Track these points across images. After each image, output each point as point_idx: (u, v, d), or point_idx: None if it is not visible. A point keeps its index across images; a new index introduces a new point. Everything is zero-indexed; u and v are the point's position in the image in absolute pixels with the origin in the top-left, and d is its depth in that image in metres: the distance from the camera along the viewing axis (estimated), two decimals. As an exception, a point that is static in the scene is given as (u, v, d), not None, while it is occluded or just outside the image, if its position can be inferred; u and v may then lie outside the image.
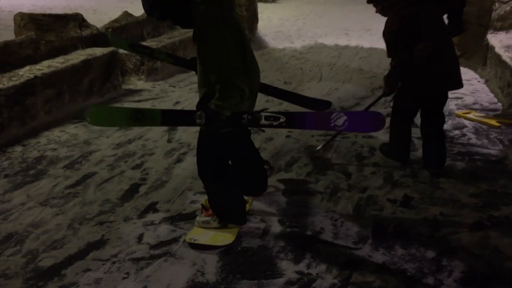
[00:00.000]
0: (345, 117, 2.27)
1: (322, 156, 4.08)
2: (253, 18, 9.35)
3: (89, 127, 4.76)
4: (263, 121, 2.41)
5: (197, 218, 2.99)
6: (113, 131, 4.68)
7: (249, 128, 2.88)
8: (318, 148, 4.20)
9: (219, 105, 2.40)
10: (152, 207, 3.23)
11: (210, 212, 2.96)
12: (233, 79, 2.39)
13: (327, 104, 3.71)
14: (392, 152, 3.89)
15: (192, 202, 3.29)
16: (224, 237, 2.83)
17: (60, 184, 3.57)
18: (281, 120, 2.39)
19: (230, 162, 2.91)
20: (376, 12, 3.52)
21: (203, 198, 3.15)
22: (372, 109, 3.85)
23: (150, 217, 3.11)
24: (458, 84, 3.51)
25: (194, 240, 2.80)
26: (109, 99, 5.68)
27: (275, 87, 3.69)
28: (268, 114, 2.41)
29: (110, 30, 5.38)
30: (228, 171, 2.83)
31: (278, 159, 3.98)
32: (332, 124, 2.31)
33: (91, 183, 3.58)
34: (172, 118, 2.75)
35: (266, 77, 7.03)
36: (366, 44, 9.13)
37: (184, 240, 2.82)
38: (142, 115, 2.58)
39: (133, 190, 3.48)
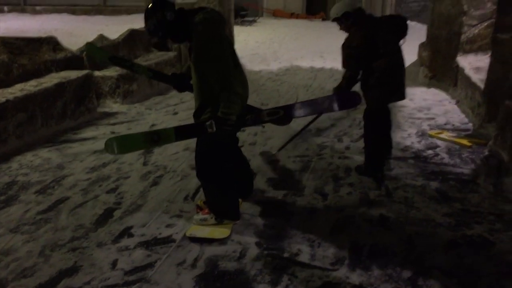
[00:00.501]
0: (328, 100, 2.77)
1: (277, 159, 4.46)
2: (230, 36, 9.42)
3: (62, 151, 4.69)
4: (266, 117, 2.90)
5: (195, 217, 3.27)
6: (87, 154, 4.61)
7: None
8: (275, 152, 4.59)
9: (226, 112, 2.73)
10: (126, 232, 3.17)
11: (207, 210, 3.25)
12: (235, 87, 2.79)
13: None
14: (369, 169, 4.08)
15: (168, 225, 3.24)
16: (221, 232, 3.11)
17: (32, 210, 3.48)
18: (280, 113, 2.86)
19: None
20: (340, 29, 4.04)
21: (198, 200, 3.46)
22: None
23: (125, 242, 3.05)
24: (403, 96, 4.09)
25: (194, 235, 3.06)
26: (83, 122, 5.61)
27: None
28: (269, 110, 2.87)
29: (86, 42, 5.23)
30: (224, 172, 3.13)
31: (255, 181, 3.97)
32: (321, 108, 2.92)
33: (63, 208, 3.51)
34: (185, 133, 3.01)
35: (243, 99, 7.07)
36: (340, 66, 9.26)
37: (161, 262, 2.79)
38: (158, 136, 2.90)
39: (107, 214, 3.42)
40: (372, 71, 3.80)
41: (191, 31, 2.84)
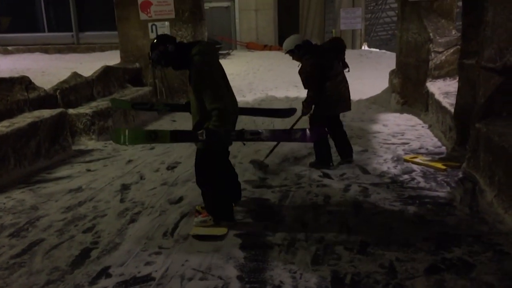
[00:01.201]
0: (300, 132, 3.37)
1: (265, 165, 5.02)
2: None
3: (37, 192, 4.60)
4: (248, 136, 3.38)
5: (195, 220, 3.71)
6: (62, 194, 4.52)
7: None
8: (263, 160, 5.15)
9: (216, 125, 3.31)
10: (104, 272, 3.09)
11: (205, 213, 3.70)
12: (226, 107, 3.35)
13: (292, 110, 4.76)
14: (321, 162, 5.08)
15: (148, 263, 3.18)
16: (220, 230, 3.59)
17: (5, 254, 3.37)
18: (261, 135, 3.38)
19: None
20: (293, 59, 4.96)
21: (197, 205, 3.84)
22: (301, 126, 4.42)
23: (103, 283, 2.97)
24: (349, 108, 5.10)
25: (197, 233, 3.54)
26: (58, 161, 5.52)
27: (249, 108, 5.12)
28: (252, 130, 3.43)
29: (110, 98, 6.38)
30: (217, 179, 3.64)
31: (233, 212, 3.95)
32: (293, 137, 3.52)
33: (38, 251, 3.40)
34: (178, 137, 3.48)
35: (219, 131, 7.08)
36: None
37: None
38: (155, 135, 3.33)
39: (84, 255, 3.33)
40: (324, 89, 4.80)
41: (189, 60, 3.44)
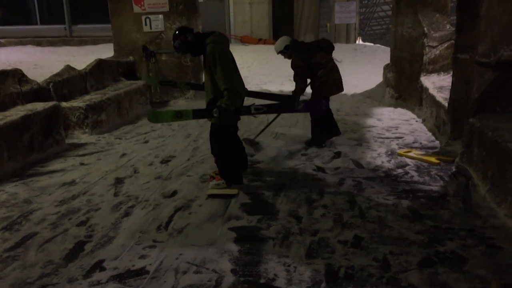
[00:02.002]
0: (303, 104, 4.22)
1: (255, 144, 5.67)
2: (198, 68, 9.46)
3: (30, 185, 4.58)
4: (253, 111, 4.14)
5: (210, 183, 4.38)
6: (56, 187, 4.51)
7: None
8: (254, 137, 5.83)
9: (228, 104, 3.97)
10: (98, 266, 3.08)
11: (219, 177, 4.35)
12: (236, 87, 4.04)
13: (295, 99, 5.33)
14: (317, 139, 5.73)
15: (142, 257, 3.17)
16: (232, 191, 4.24)
17: (-2, 247, 3.35)
18: (264, 109, 4.18)
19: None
20: (285, 58, 5.67)
21: (211, 171, 4.57)
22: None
23: (97, 276, 2.97)
24: (342, 89, 5.72)
25: (213, 193, 4.20)
26: (51, 155, 5.49)
27: (256, 91, 5.93)
28: (256, 106, 4.15)
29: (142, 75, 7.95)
30: (227, 149, 4.33)
31: (228, 207, 3.95)
32: (296, 108, 4.36)
33: (32, 245, 3.39)
34: (199, 114, 4.23)
35: (214, 125, 7.08)
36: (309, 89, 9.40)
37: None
38: (181, 114, 4.17)
39: (77, 248, 3.32)
40: (317, 77, 5.52)
41: (204, 48, 4.11)
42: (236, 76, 4.19)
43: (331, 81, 5.54)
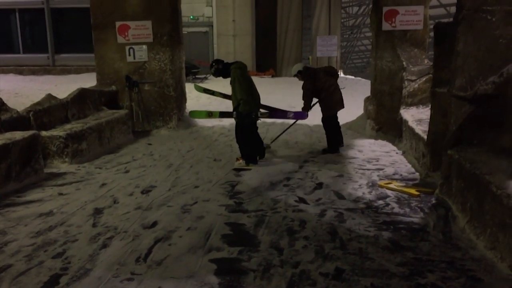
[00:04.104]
0: (292, 113, 7.22)
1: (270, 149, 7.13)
2: (181, 97, 9.51)
3: (5, 216, 4.47)
4: (259, 115, 6.47)
5: (235, 163, 6.36)
6: (32, 218, 4.40)
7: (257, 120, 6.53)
8: (269, 143, 7.39)
9: (242, 110, 6.09)
10: (74, 300, 2.99)
11: (241, 159, 6.40)
12: (247, 99, 6.07)
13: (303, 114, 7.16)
14: (332, 147, 7.09)
15: (119, 290, 3.09)
16: (248, 167, 6.19)
17: (-31, 280, 3.24)
18: (266, 114, 6.95)
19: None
20: (299, 80, 7.19)
21: (237, 155, 6.54)
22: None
23: (72, 310, 2.88)
24: (343, 107, 7.17)
25: (237, 167, 6.22)
26: (29, 184, 5.39)
27: (266, 106, 7.28)
28: (261, 111, 6.70)
29: (195, 84, 9.64)
30: (246, 139, 6.36)
31: (209, 238, 3.90)
32: (287, 116, 7.24)
33: (5, 277, 3.28)
34: (224, 115, 7.05)
35: (196, 154, 7.07)
36: (288, 120, 9.48)
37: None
38: (211, 113, 7.21)
39: (53, 282, 3.22)
40: (323, 98, 7.00)
41: (229, 72, 6.26)
42: (250, 91, 6.19)
43: (333, 101, 6.98)
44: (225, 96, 7.67)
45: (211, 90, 8.28)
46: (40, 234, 4.04)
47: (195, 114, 7.33)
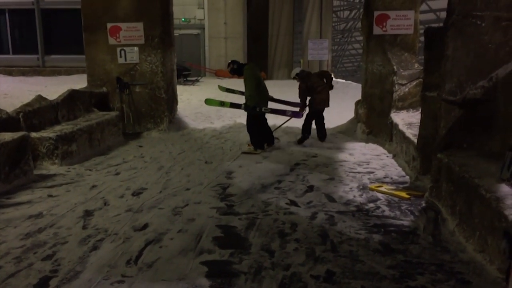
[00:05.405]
0: (290, 111, 7.91)
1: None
2: (172, 100, 9.49)
3: (-6, 217, 4.42)
4: (263, 110, 7.43)
5: (246, 148, 7.53)
6: (22, 220, 4.37)
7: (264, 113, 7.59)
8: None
9: (250, 103, 7.34)
10: (63, 302, 2.97)
11: (250, 144, 7.50)
12: (255, 95, 7.29)
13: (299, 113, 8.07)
14: (304, 135, 8.06)
15: (109, 293, 3.08)
16: (255, 152, 7.30)
17: (-43, 282, 3.20)
18: (268, 110, 7.53)
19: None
20: (297, 81, 8.21)
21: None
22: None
23: (61, 313, 2.86)
24: (327, 106, 8.21)
25: (245, 151, 7.36)
26: (18, 186, 5.34)
27: (276, 98, 8.30)
28: (265, 108, 7.49)
29: (218, 85, 10.48)
30: (255, 128, 7.46)
31: (200, 241, 3.90)
32: (286, 114, 7.89)
33: (-7, 280, 3.25)
34: (234, 105, 7.86)
35: (187, 157, 7.05)
36: (279, 122, 9.51)
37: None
38: (223, 103, 8.06)
39: (42, 284, 3.20)
40: (313, 97, 8.01)
41: (243, 71, 7.36)
42: (258, 88, 7.30)
43: (319, 99, 8.00)
44: (242, 93, 8.32)
45: (230, 89, 9.37)
46: (30, 236, 4.01)
47: (209, 102, 8.12)
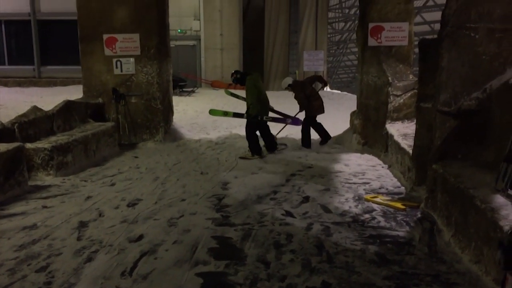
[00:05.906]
0: (290, 120, 8.95)
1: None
2: (168, 110, 9.49)
3: (-12, 228, 4.39)
4: (263, 119, 7.99)
5: (242, 153, 7.83)
6: (16, 231, 4.33)
7: (264, 121, 8.09)
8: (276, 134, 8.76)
9: (251, 111, 7.83)
10: (57, 314, 2.94)
11: (248, 150, 7.76)
12: (256, 104, 7.80)
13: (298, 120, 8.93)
14: (305, 142, 8.65)
15: (103, 305, 3.05)
16: (253, 158, 7.62)
17: (-51, 295, 3.17)
18: (269, 119, 8.17)
19: (258, 133, 8.04)
20: (289, 91, 8.87)
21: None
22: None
23: (55, 325, 2.83)
24: (323, 112, 8.74)
25: (241, 156, 7.68)
26: (12, 197, 5.31)
27: (275, 110, 8.89)
28: (266, 117, 8.07)
29: (225, 89, 11.78)
30: (253, 135, 7.82)
31: (195, 252, 3.88)
32: (286, 121, 8.99)
33: (-14, 292, 3.22)
34: (237, 115, 8.51)
35: (183, 167, 7.04)
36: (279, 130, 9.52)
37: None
38: (226, 113, 8.77)
39: (36, 296, 3.17)
40: (308, 105, 8.58)
41: (245, 81, 7.76)
42: (259, 97, 7.79)
43: (315, 106, 8.60)
44: (244, 99, 8.69)
45: (236, 94, 9.67)
46: (24, 248, 3.98)
47: (214, 112, 8.63)
